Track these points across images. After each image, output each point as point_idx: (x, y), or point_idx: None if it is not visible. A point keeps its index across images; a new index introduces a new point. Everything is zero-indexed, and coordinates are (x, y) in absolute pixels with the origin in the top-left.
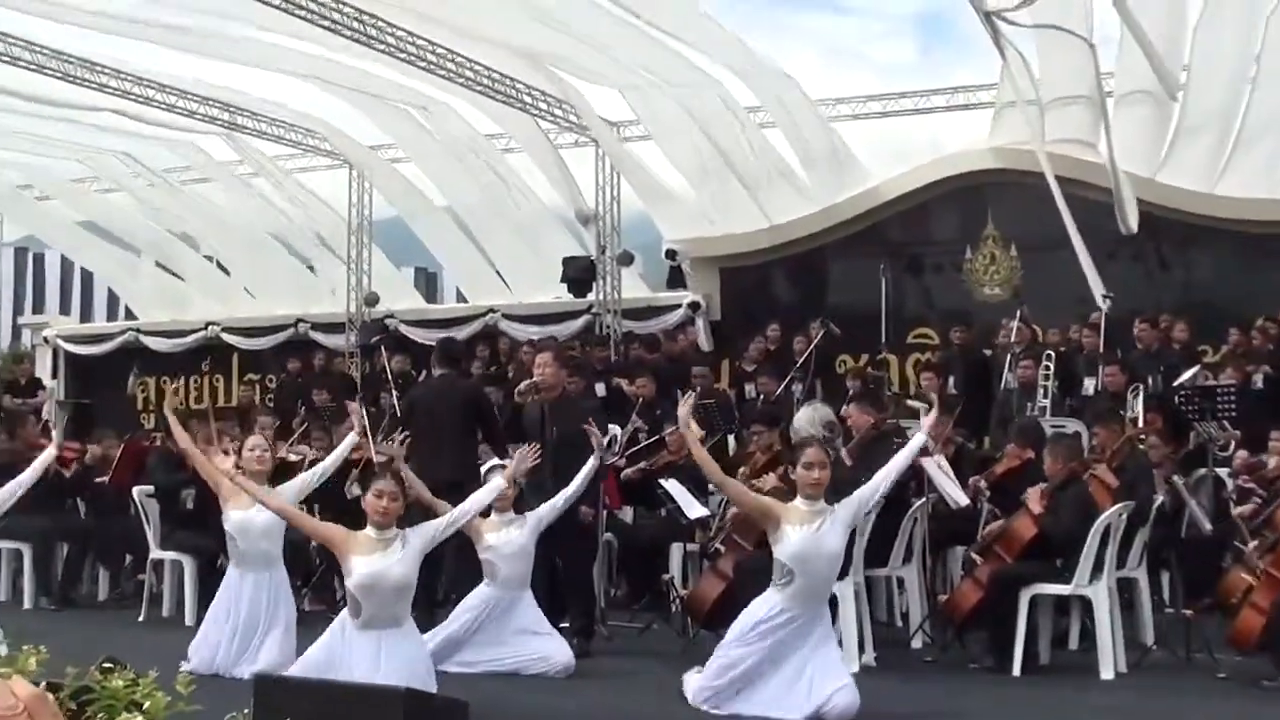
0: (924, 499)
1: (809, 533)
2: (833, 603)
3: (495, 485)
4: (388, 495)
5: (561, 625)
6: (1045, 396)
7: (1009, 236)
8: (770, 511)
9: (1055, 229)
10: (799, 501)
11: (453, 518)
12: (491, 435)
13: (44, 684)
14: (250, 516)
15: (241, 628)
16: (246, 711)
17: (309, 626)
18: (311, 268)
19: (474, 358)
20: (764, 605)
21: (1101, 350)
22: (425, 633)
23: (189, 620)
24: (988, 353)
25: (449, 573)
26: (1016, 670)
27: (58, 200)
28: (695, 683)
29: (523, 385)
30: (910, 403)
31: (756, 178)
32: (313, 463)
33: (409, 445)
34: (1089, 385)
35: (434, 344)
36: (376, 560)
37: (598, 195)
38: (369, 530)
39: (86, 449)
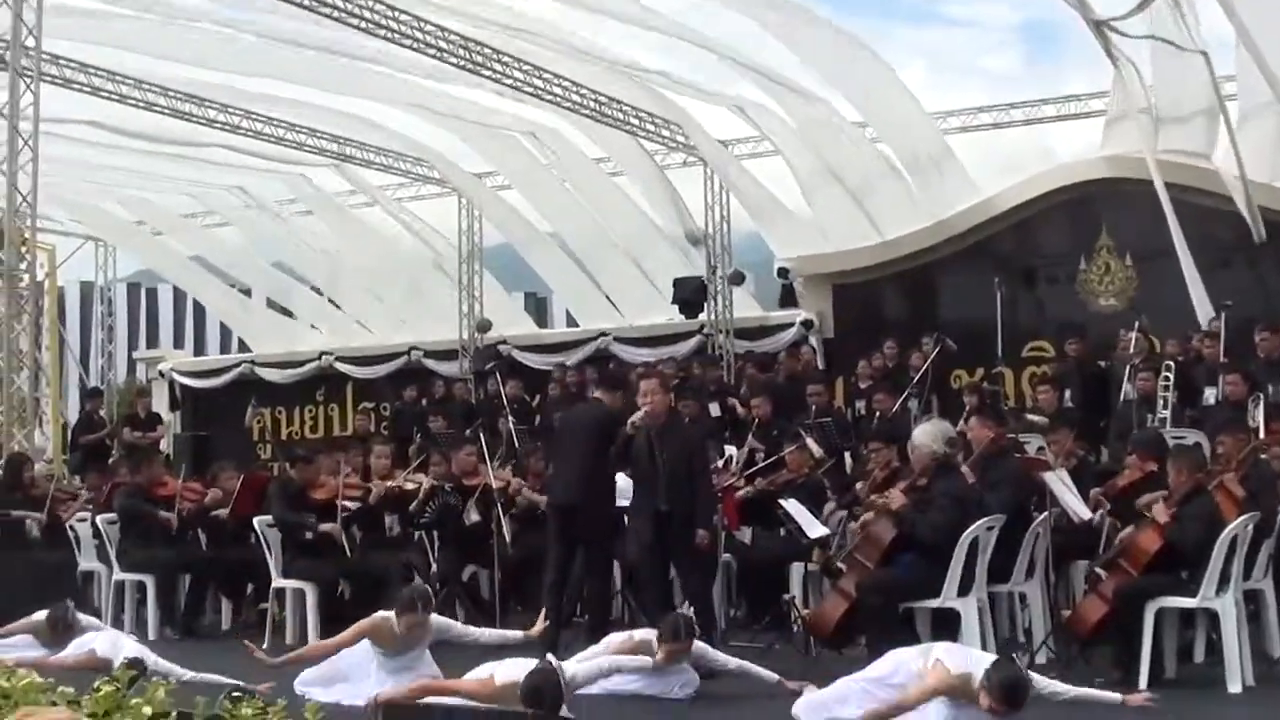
0: (1046, 513)
1: None
2: (955, 619)
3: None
4: None
5: None
6: (1165, 407)
7: (1123, 246)
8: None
9: (1168, 238)
10: None
11: None
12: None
13: (175, 714)
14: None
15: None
16: None
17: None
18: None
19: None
20: (894, 665)
21: (1221, 359)
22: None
23: None
24: (1104, 364)
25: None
26: (1143, 684)
27: (169, 235)
28: (803, 701)
29: (635, 418)
30: (1030, 417)
31: (867, 191)
32: (431, 490)
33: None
34: (1209, 395)
35: (549, 369)
36: None
37: (707, 215)
38: None
39: (208, 491)
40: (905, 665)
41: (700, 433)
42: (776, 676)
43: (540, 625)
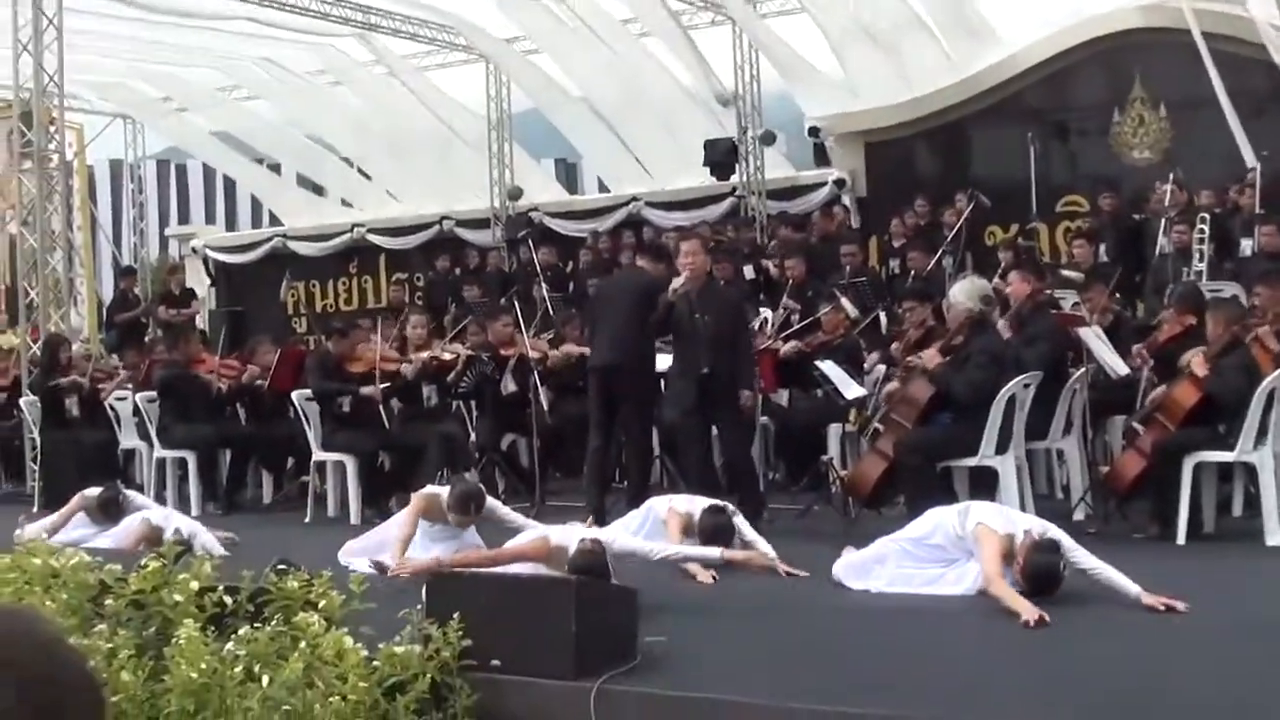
0: (1083, 370)
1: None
2: (993, 477)
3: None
4: None
5: None
6: (1201, 260)
7: (1157, 97)
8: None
9: (1205, 87)
10: None
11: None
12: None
13: (221, 588)
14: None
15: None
16: (420, 608)
17: None
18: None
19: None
20: (939, 528)
21: (1258, 210)
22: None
23: (354, 520)
24: (1139, 218)
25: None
26: (1181, 539)
27: (197, 110)
28: (842, 561)
29: (677, 283)
30: (1065, 273)
31: (898, 47)
32: (469, 360)
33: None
34: (1246, 247)
35: (581, 235)
36: None
37: (736, 75)
38: None
39: (246, 368)
40: (943, 526)
41: (740, 294)
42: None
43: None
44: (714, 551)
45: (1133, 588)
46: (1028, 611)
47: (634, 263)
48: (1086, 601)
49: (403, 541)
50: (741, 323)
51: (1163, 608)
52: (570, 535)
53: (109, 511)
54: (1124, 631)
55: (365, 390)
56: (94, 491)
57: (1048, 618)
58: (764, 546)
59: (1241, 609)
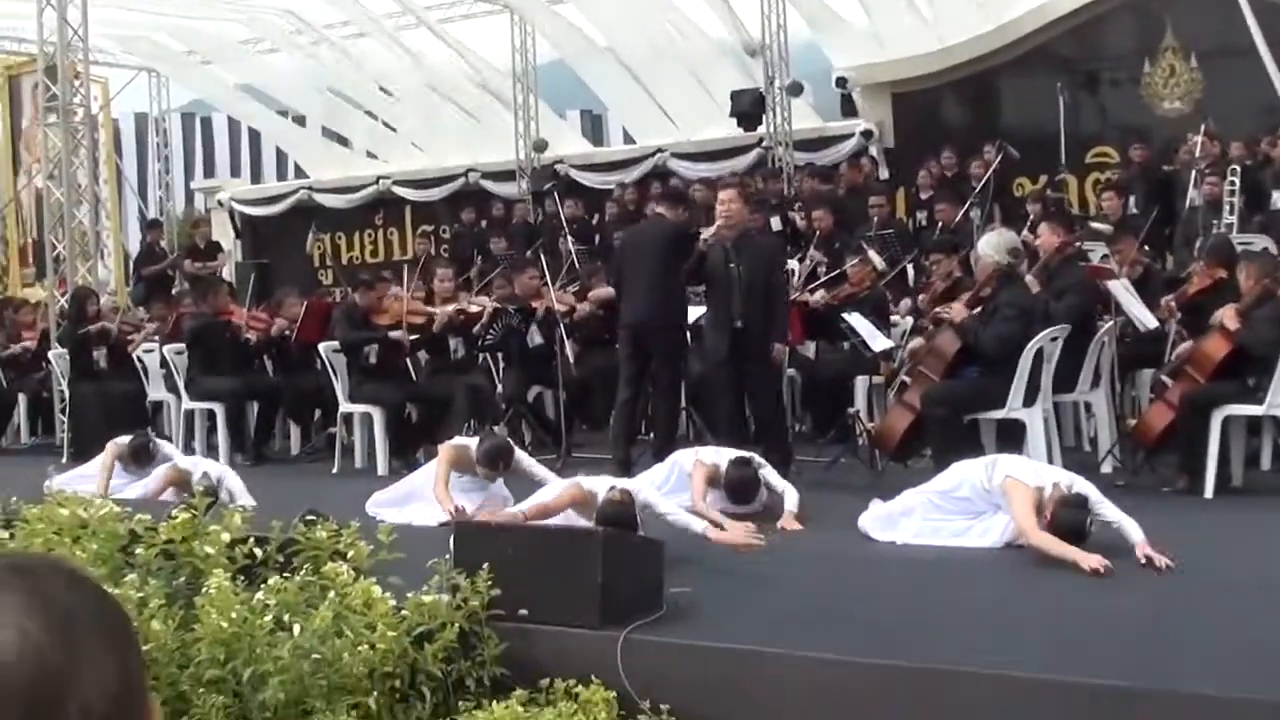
0: (1112, 322)
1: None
2: (1021, 429)
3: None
4: None
5: None
6: (1232, 213)
7: (1188, 47)
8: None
9: (1237, 36)
10: None
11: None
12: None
13: (251, 539)
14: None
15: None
16: (448, 558)
17: None
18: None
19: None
20: (965, 481)
21: None
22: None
23: (381, 470)
24: (1170, 170)
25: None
26: (1209, 493)
27: (221, 64)
28: (869, 514)
29: (709, 231)
30: (1094, 225)
31: None
32: (495, 313)
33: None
34: (1277, 199)
35: (607, 187)
36: None
37: (764, 25)
38: None
39: (274, 320)
40: (970, 479)
41: (777, 244)
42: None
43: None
44: (698, 525)
45: (1138, 536)
46: (1086, 560)
47: (655, 211)
48: (1113, 553)
49: (447, 492)
50: (776, 273)
51: (1144, 560)
52: (599, 483)
53: (140, 458)
54: (1150, 583)
55: (394, 334)
56: (124, 439)
57: (1110, 564)
58: (792, 495)
59: (1269, 562)
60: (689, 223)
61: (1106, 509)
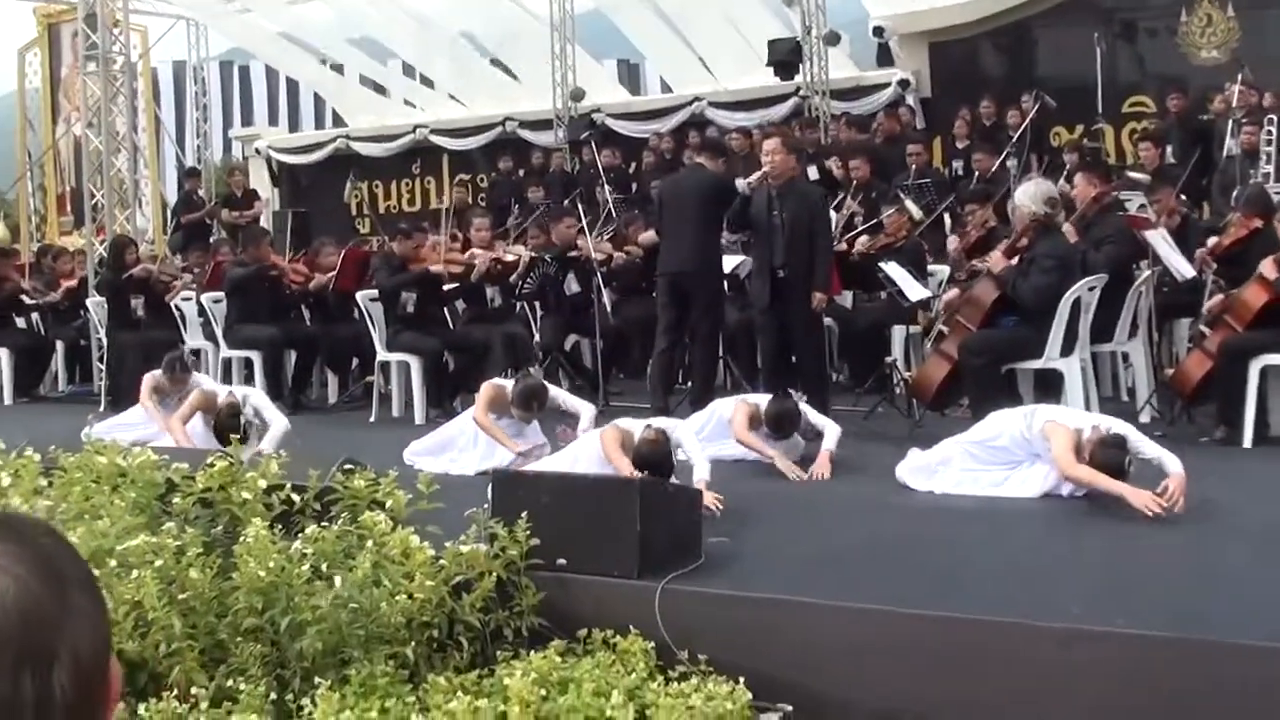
0: (1149, 272)
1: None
2: (1059, 379)
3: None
4: None
5: None
6: (1269, 162)
7: None
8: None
9: None
10: None
11: None
12: (729, 217)
13: (288, 485)
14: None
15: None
16: (486, 507)
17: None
18: (511, 72)
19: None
20: (1003, 431)
21: None
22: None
23: (419, 419)
24: (1206, 119)
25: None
26: (1247, 442)
27: (260, 12)
28: (907, 462)
29: (753, 177)
30: (1131, 174)
31: None
32: (531, 262)
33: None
34: None
35: (643, 136)
36: None
37: None
38: None
39: (313, 276)
40: (1009, 428)
41: (820, 193)
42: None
43: None
44: (703, 469)
45: (1175, 468)
46: (1136, 496)
47: (695, 161)
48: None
49: (497, 427)
50: (821, 222)
51: (1162, 490)
52: (637, 424)
53: (175, 374)
54: (1188, 532)
55: (434, 268)
56: (157, 371)
57: (1164, 502)
58: (832, 431)
59: None
60: (728, 172)
61: (1146, 446)
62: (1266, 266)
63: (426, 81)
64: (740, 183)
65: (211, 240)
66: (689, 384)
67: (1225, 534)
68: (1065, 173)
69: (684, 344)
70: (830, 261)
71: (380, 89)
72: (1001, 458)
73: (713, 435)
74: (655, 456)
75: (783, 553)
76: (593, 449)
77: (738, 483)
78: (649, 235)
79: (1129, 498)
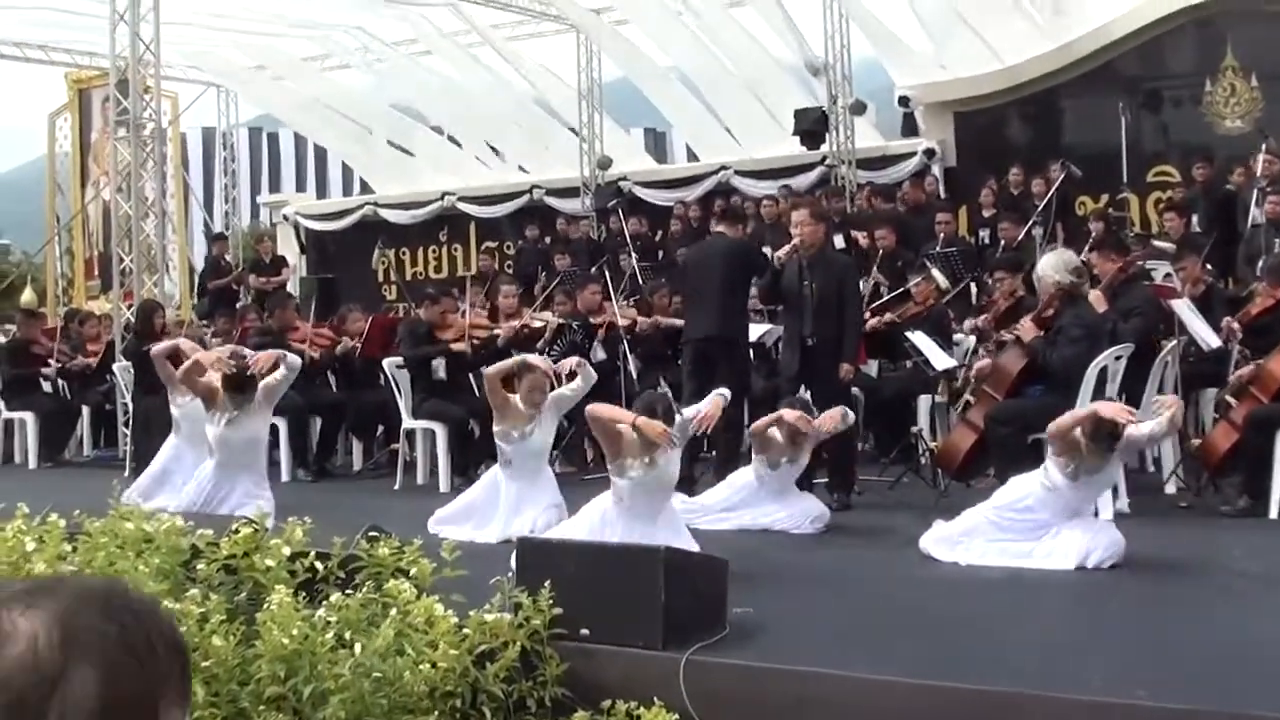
0: (1174, 341)
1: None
2: None
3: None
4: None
5: (816, 480)
6: None
7: (1249, 66)
8: (1073, 450)
9: None
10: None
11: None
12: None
13: (312, 553)
14: (526, 439)
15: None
16: (510, 576)
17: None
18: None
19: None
20: (1025, 492)
21: None
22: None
23: (443, 488)
24: (1231, 188)
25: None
26: (1273, 513)
27: (290, 79)
28: (931, 533)
29: (783, 251)
30: (1157, 244)
31: (988, 17)
32: (558, 329)
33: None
34: None
35: (670, 204)
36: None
37: (827, 44)
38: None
39: (339, 339)
40: (1031, 487)
41: (850, 263)
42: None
43: None
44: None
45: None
46: (1107, 409)
47: (716, 230)
48: (1176, 571)
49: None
50: (850, 292)
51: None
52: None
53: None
54: (1214, 603)
55: (456, 346)
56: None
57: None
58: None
59: None
60: (750, 239)
61: (1141, 428)
62: None
63: (454, 142)
64: (772, 255)
65: (238, 306)
66: (713, 452)
67: (1252, 606)
68: (1090, 242)
69: None
70: (859, 333)
71: (408, 155)
72: (1028, 523)
73: (737, 505)
74: (659, 401)
75: (808, 624)
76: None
77: (764, 553)
78: (671, 323)
79: (1100, 410)
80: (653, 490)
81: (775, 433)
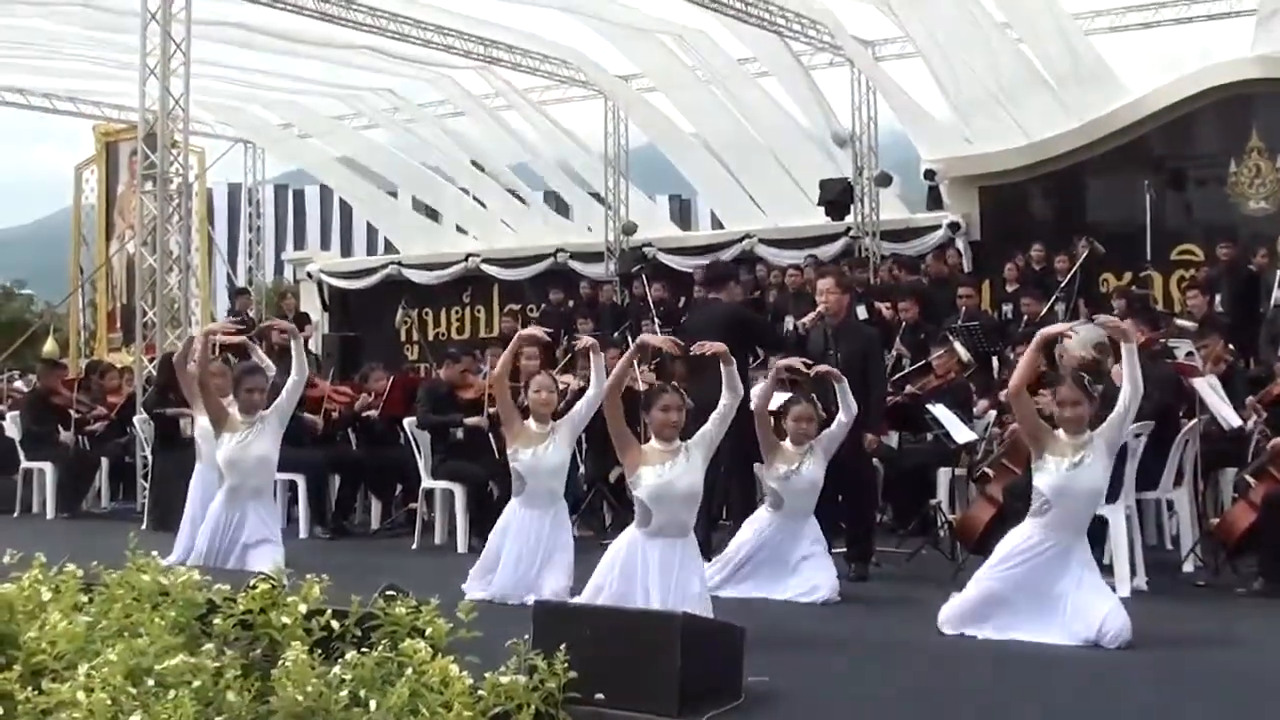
0: (1195, 420)
1: (1068, 466)
2: (1103, 526)
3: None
4: (674, 409)
5: (835, 550)
6: None
7: (1274, 148)
8: (1040, 437)
9: None
10: (1061, 433)
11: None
12: (766, 344)
13: (329, 610)
14: (539, 458)
15: (527, 555)
16: (526, 638)
17: (579, 553)
18: (562, 201)
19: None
20: (1020, 534)
21: None
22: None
23: (461, 548)
24: (1254, 269)
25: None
26: None
27: (318, 138)
28: (947, 608)
29: (809, 317)
30: (1179, 322)
31: (1014, 93)
32: (579, 391)
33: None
34: None
35: (693, 270)
36: (665, 470)
37: (854, 116)
38: (654, 443)
39: (358, 396)
40: (1025, 535)
41: (875, 333)
42: None
43: None
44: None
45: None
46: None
47: (706, 296)
48: (1183, 645)
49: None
50: (875, 362)
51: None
52: None
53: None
54: (1224, 687)
55: (470, 421)
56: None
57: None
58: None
59: None
60: (740, 299)
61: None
62: None
63: (480, 203)
64: (792, 322)
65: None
66: (730, 519)
67: (1265, 689)
68: (1123, 312)
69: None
70: (883, 403)
71: (434, 216)
72: (1037, 555)
73: (756, 554)
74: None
75: (824, 694)
76: None
77: (782, 621)
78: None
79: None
80: (674, 505)
81: (782, 443)
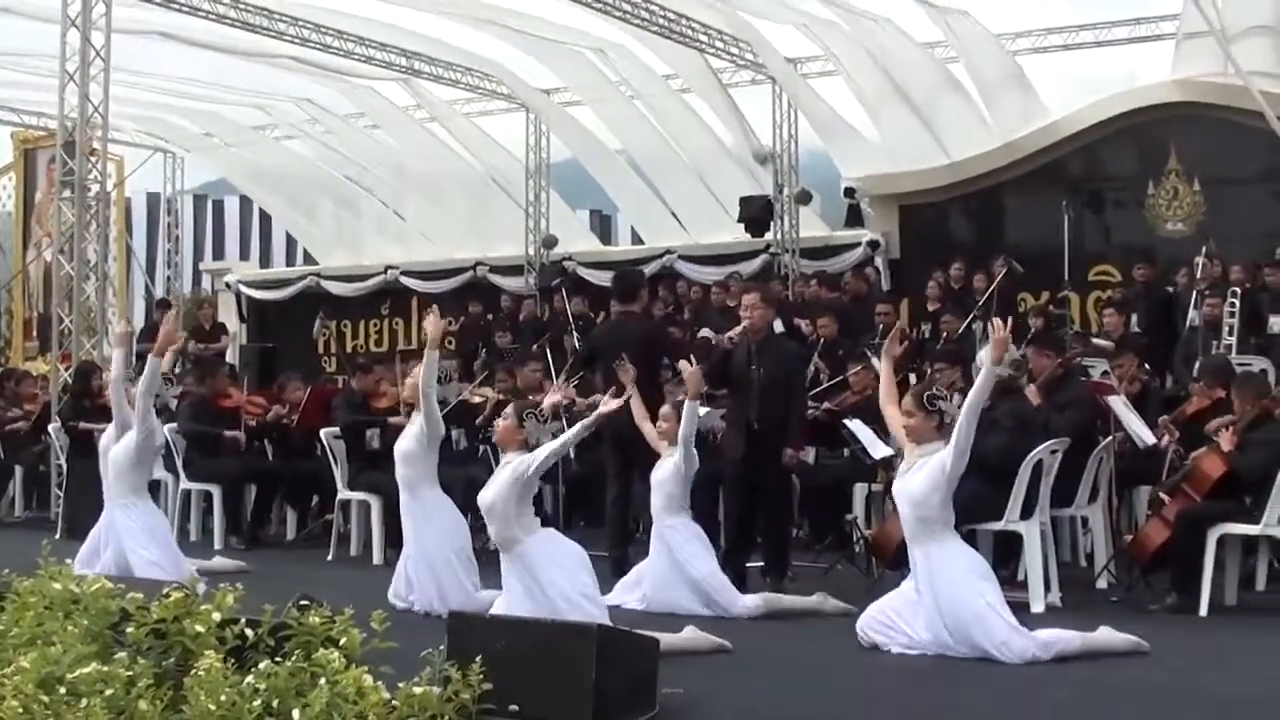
0: (1110, 438)
1: (902, 470)
2: (1018, 542)
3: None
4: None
5: (750, 565)
6: (1231, 334)
7: (1191, 171)
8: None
9: (1238, 163)
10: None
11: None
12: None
13: (243, 620)
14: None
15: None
16: (441, 649)
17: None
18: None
19: (655, 299)
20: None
21: None
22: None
23: (376, 560)
24: (1171, 290)
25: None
26: (1203, 611)
27: (238, 147)
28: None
29: (734, 332)
30: (1097, 341)
31: (935, 113)
32: (497, 405)
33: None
34: (1275, 323)
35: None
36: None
37: (775, 133)
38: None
39: (271, 408)
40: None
41: (799, 350)
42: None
43: None
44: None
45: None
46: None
47: (622, 311)
48: (1112, 667)
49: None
50: (797, 378)
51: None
52: None
53: None
54: (1145, 699)
55: (394, 420)
56: None
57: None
58: None
59: (1263, 681)
60: (650, 315)
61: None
62: (1225, 438)
63: (399, 216)
64: (716, 337)
65: (176, 371)
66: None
67: (1182, 703)
68: (1028, 338)
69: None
70: (804, 418)
71: (353, 229)
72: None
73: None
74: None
75: (738, 706)
76: None
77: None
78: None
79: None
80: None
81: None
